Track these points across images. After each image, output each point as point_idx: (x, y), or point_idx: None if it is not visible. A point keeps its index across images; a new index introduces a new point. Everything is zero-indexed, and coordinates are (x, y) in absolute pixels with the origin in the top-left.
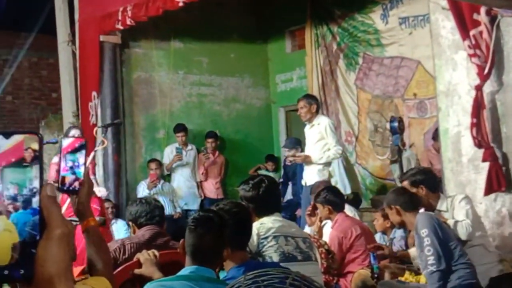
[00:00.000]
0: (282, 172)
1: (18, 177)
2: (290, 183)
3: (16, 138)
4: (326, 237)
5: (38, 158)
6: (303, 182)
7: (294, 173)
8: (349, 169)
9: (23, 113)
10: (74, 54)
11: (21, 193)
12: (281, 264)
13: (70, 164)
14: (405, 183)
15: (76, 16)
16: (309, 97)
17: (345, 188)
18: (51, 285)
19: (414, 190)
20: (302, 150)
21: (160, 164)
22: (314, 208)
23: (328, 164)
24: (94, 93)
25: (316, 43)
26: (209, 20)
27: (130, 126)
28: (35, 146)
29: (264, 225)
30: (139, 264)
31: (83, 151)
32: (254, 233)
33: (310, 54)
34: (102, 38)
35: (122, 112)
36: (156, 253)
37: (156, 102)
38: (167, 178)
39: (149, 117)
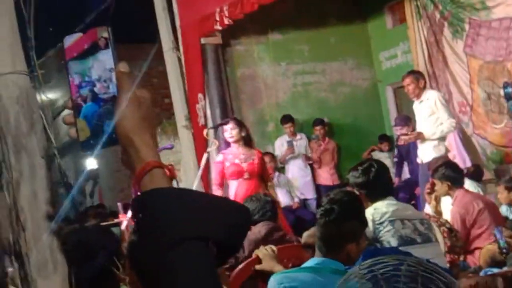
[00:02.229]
0: (396, 151)
1: (82, 67)
2: (405, 162)
3: (90, 32)
4: (445, 215)
5: (110, 43)
6: (418, 160)
7: (408, 151)
8: (466, 141)
9: None
10: (179, 60)
11: (98, 78)
12: (400, 248)
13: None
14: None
15: (177, 22)
16: (415, 73)
17: (465, 161)
18: (128, 139)
19: None
20: (413, 127)
21: (273, 157)
22: (433, 185)
23: (443, 138)
24: (200, 95)
25: (417, 15)
26: (305, 8)
27: None
28: (106, 35)
29: (378, 210)
30: (258, 260)
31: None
32: (369, 219)
33: (412, 27)
34: (203, 40)
35: (230, 110)
36: (274, 248)
37: (262, 96)
38: (281, 170)
39: (256, 111)
